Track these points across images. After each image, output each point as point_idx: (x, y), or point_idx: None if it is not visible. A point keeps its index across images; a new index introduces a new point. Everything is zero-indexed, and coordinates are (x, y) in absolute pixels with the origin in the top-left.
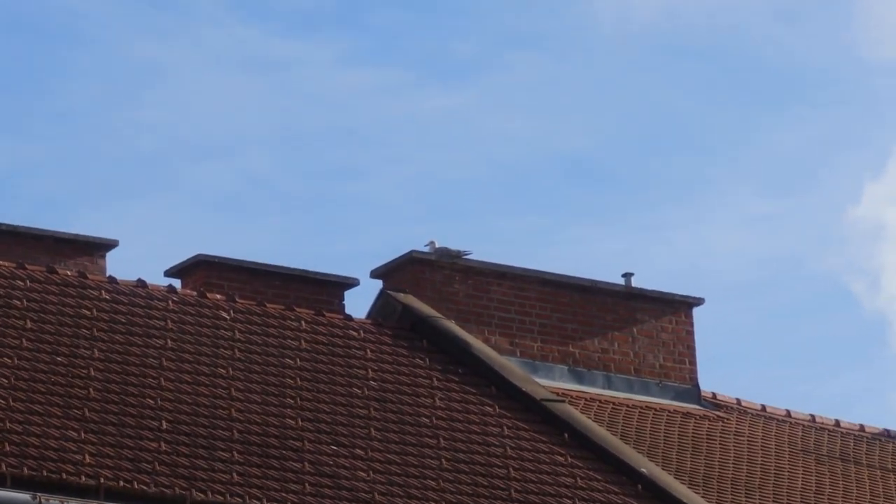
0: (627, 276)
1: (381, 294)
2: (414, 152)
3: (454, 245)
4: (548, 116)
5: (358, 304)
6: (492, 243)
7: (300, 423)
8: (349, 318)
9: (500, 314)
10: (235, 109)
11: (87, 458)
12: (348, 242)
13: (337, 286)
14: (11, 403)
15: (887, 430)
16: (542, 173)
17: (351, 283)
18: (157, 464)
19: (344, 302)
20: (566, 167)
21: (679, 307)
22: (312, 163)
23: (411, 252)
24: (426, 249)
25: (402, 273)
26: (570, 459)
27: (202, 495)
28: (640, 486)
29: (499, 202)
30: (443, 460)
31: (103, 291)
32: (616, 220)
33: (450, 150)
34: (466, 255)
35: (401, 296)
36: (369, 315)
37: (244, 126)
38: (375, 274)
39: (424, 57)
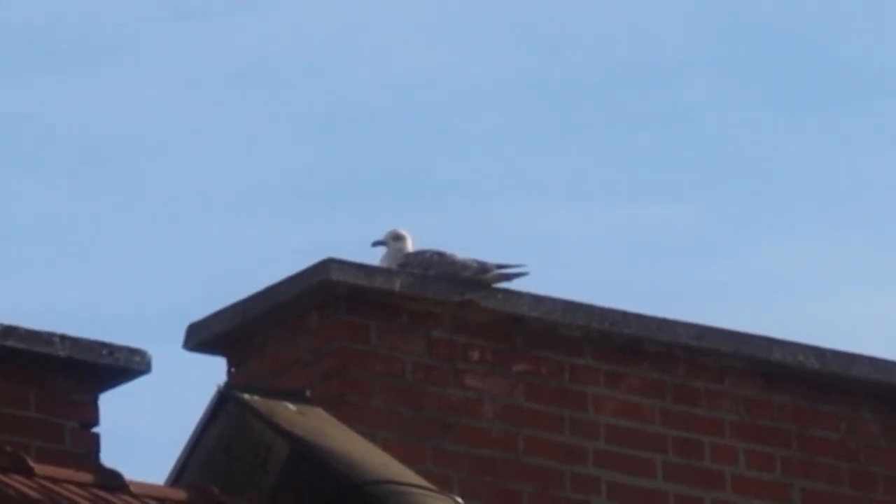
0: None
1: (221, 400)
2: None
3: (453, 249)
4: None
5: (143, 442)
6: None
7: None
8: (117, 482)
9: (623, 478)
10: None
11: None
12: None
13: (77, 377)
14: None
15: None
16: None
17: (124, 368)
18: None
19: (96, 430)
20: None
21: None
22: None
23: (326, 263)
24: (380, 255)
25: (287, 334)
26: None
27: None
28: None
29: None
30: None
31: None
32: None
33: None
34: (513, 275)
35: (286, 410)
36: (180, 472)
37: None
38: (199, 337)
39: None
